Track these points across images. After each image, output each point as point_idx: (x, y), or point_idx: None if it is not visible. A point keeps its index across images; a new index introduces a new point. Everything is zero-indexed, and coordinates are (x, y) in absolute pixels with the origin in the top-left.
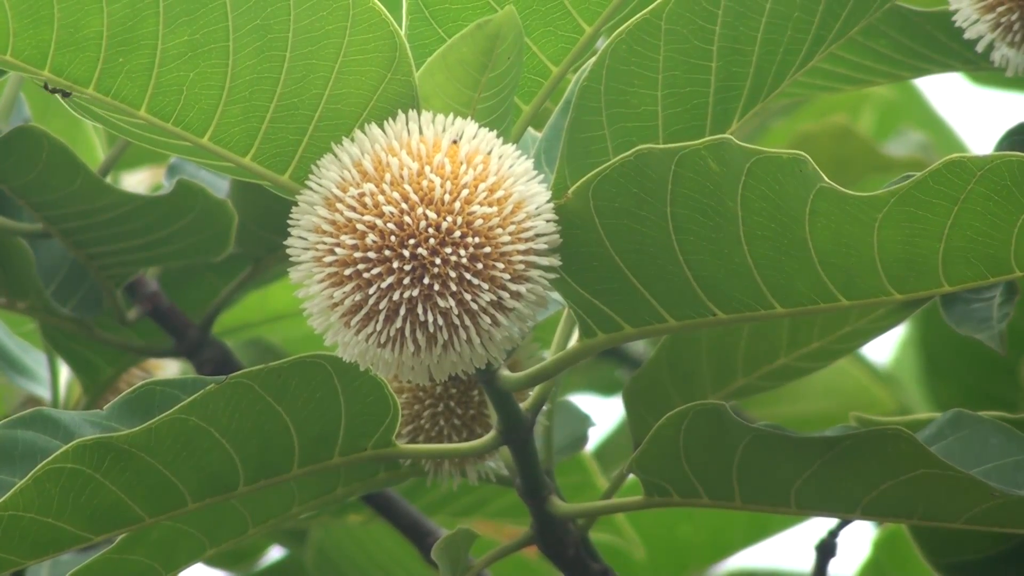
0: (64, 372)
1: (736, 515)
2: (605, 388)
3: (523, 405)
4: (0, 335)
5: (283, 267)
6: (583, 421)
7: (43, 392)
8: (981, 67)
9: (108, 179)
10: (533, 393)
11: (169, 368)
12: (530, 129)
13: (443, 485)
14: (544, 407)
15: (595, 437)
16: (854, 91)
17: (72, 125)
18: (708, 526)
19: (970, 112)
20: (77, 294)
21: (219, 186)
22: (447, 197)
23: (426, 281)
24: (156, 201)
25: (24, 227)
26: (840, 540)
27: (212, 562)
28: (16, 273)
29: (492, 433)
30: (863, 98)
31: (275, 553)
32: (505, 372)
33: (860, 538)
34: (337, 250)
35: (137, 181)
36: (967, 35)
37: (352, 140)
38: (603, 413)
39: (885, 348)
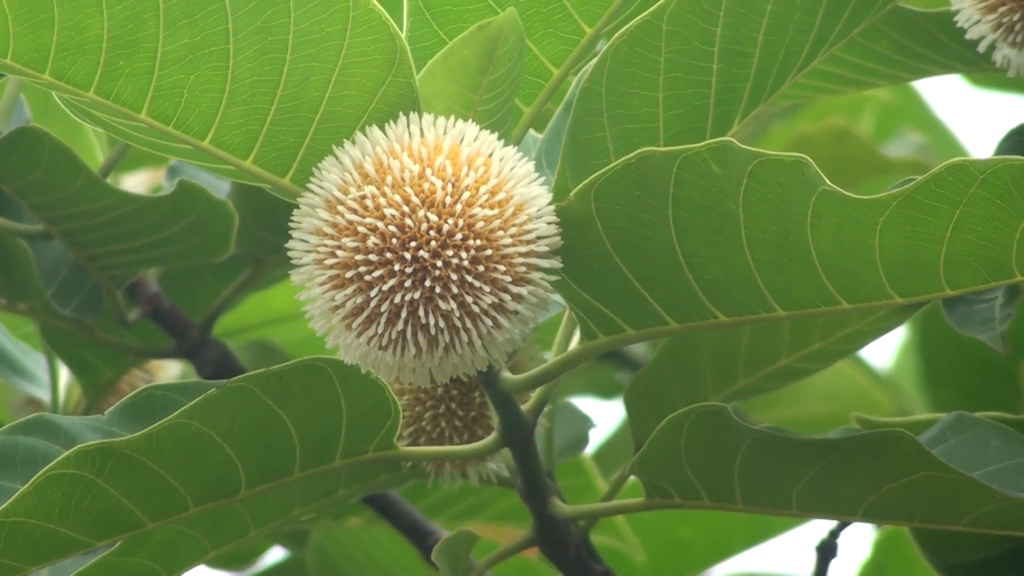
0: (64, 374)
1: (737, 517)
2: (605, 391)
3: (524, 407)
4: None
5: (284, 269)
6: (584, 422)
7: (43, 394)
8: (983, 68)
9: (108, 181)
10: (534, 395)
11: (169, 369)
12: (531, 131)
13: (444, 487)
14: (545, 408)
15: (595, 440)
16: (855, 93)
17: (72, 127)
18: (709, 528)
19: (969, 114)
20: (78, 295)
21: (220, 187)
22: (448, 200)
23: (427, 283)
24: (157, 202)
25: (24, 228)
26: (841, 541)
27: (213, 563)
28: (16, 274)
29: (493, 435)
30: (863, 101)
31: (276, 554)
32: (506, 374)
33: (861, 539)
34: (338, 252)
35: (136, 183)
36: (968, 35)
37: (353, 142)
38: (603, 416)
39: (885, 352)
